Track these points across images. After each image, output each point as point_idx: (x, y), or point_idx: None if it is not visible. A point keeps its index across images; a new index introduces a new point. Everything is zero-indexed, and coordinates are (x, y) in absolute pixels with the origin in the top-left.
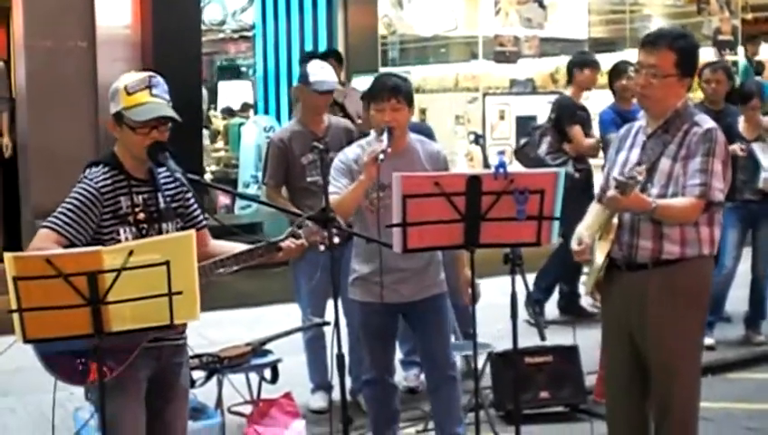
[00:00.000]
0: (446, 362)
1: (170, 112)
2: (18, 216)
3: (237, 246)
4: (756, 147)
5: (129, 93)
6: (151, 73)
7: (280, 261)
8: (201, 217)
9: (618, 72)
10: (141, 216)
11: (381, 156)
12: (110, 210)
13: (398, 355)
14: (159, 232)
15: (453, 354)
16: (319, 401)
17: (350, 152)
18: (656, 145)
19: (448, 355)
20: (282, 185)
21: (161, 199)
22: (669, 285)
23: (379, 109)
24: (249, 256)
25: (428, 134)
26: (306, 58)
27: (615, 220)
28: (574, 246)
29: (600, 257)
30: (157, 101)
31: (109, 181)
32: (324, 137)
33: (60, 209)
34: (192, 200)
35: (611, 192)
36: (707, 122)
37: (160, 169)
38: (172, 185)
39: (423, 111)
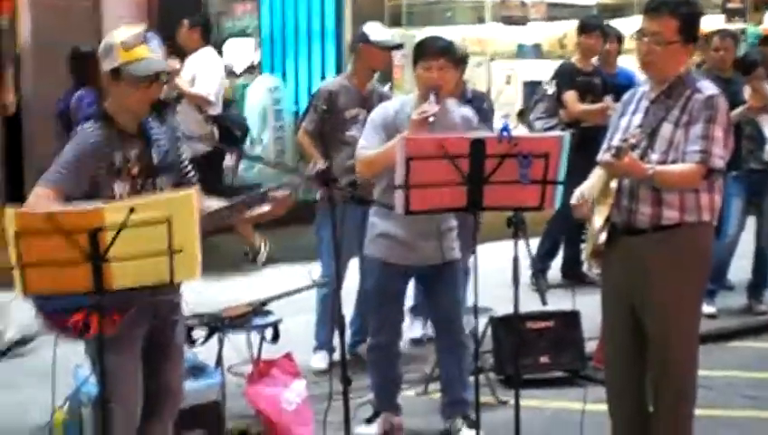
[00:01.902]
0: (459, 327)
1: (168, 65)
2: (22, 171)
3: (223, 203)
4: (764, 118)
5: (126, 49)
6: (143, 27)
7: (274, 218)
8: (192, 172)
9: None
10: (135, 170)
11: (431, 118)
12: (103, 165)
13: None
14: (154, 186)
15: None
16: (320, 362)
17: (390, 106)
18: (658, 110)
19: (461, 321)
20: (317, 133)
21: (154, 154)
22: (668, 249)
23: (427, 67)
24: (238, 208)
25: (486, 101)
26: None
27: (614, 185)
28: (574, 200)
29: (598, 221)
30: (155, 56)
31: (102, 136)
32: (369, 98)
33: (54, 165)
34: (184, 156)
35: (606, 156)
36: (710, 89)
37: (152, 124)
38: (164, 140)
39: None
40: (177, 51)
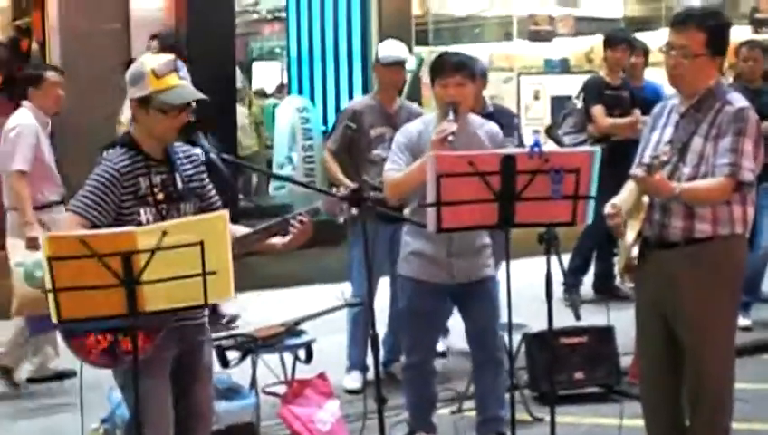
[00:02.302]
0: (495, 344)
1: (199, 94)
2: None
3: (244, 229)
4: None
5: (158, 76)
6: (172, 55)
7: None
8: (216, 198)
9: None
10: (160, 196)
11: (451, 137)
12: (130, 191)
13: None
14: (178, 212)
15: (501, 338)
16: (354, 382)
17: (413, 127)
18: (688, 124)
19: (497, 338)
20: (342, 153)
21: (179, 180)
22: (701, 262)
23: (443, 84)
24: (262, 234)
25: (509, 115)
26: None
27: (646, 199)
28: (607, 210)
29: (630, 236)
30: (185, 84)
31: (127, 162)
32: (395, 116)
33: (82, 192)
34: (207, 181)
35: (638, 171)
36: (740, 101)
37: (177, 150)
38: (189, 165)
39: None
40: None
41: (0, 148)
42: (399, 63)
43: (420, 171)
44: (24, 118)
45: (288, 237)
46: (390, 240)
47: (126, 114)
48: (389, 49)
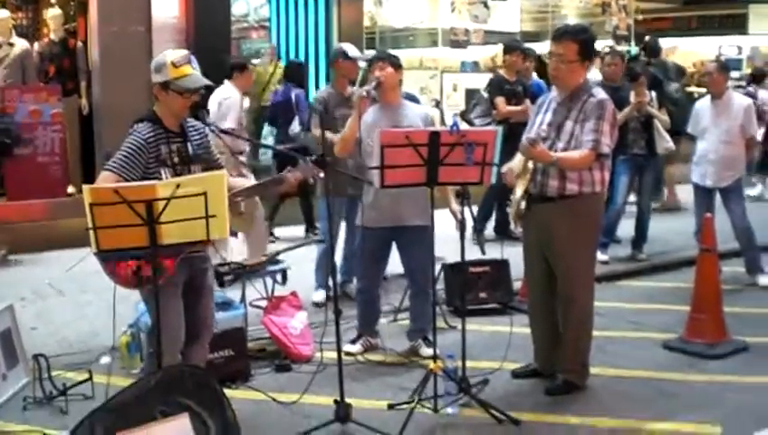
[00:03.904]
0: (425, 279)
1: (207, 81)
2: (93, 159)
3: (247, 181)
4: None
5: (176, 66)
6: (186, 51)
7: (285, 193)
8: (219, 160)
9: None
10: (176, 159)
11: (364, 93)
12: (153, 156)
13: None
14: (189, 172)
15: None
16: (319, 297)
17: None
18: (563, 111)
19: (426, 273)
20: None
21: (190, 147)
22: (570, 213)
23: (372, 69)
24: (261, 187)
25: (415, 100)
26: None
27: (530, 164)
28: (503, 169)
29: (519, 192)
30: (197, 73)
31: (152, 134)
32: (350, 99)
33: (116, 155)
34: (213, 147)
35: (524, 144)
36: (601, 94)
37: (189, 124)
38: (197, 136)
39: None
40: None
41: (215, 111)
42: (357, 60)
43: (350, 125)
44: (232, 92)
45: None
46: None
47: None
48: (353, 50)
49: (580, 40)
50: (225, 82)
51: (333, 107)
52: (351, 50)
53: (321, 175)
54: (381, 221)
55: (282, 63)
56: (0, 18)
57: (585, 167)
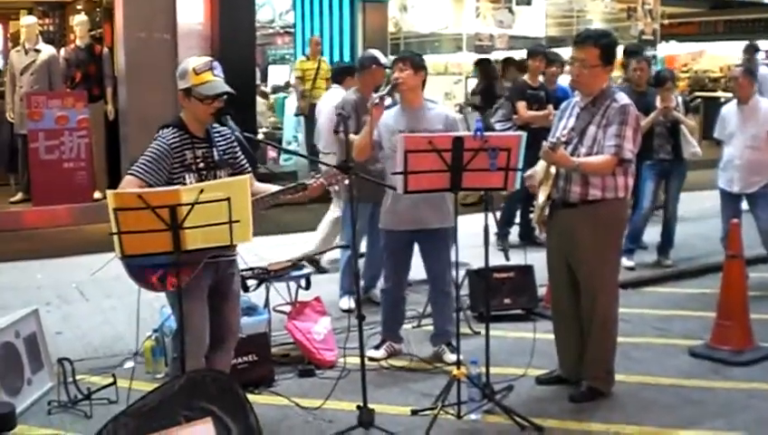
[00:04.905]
0: (444, 280)
1: (228, 88)
2: (119, 164)
3: (273, 187)
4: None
5: (197, 73)
6: (210, 58)
7: (309, 198)
8: (246, 165)
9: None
10: (201, 165)
11: (376, 100)
12: (178, 161)
13: None
14: (215, 177)
15: (450, 275)
16: (347, 303)
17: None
18: (586, 116)
19: (446, 275)
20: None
21: (216, 153)
22: (592, 218)
23: (393, 70)
24: (284, 193)
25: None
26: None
27: (553, 170)
28: (526, 174)
29: (542, 198)
30: (218, 79)
31: (177, 139)
32: None
33: (140, 160)
34: (239, 153)
35: (545, 148)
36: (624, 99)
37: (215, 130)
38: (223, 142)
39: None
40: None
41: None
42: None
43: (363, 136)
44: (347, 95)
45: (306, 192)
46: (371, 213)
47: None
48: (383, 57)
49: (601, 45)
50: (333, 85)
51: (363, 111)
52: (382, 57)
53: (346, 181)
54: (400, 224)
55: (325, 58)
56: (27, 24)
57: (607, 172)
